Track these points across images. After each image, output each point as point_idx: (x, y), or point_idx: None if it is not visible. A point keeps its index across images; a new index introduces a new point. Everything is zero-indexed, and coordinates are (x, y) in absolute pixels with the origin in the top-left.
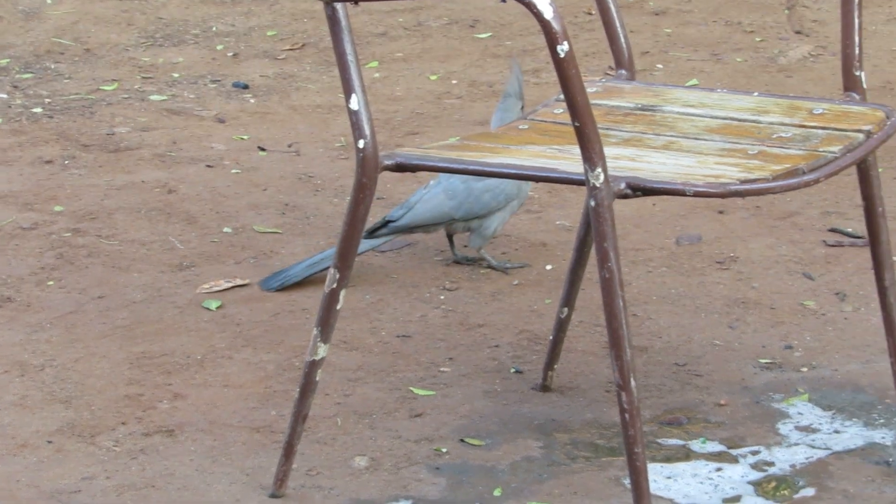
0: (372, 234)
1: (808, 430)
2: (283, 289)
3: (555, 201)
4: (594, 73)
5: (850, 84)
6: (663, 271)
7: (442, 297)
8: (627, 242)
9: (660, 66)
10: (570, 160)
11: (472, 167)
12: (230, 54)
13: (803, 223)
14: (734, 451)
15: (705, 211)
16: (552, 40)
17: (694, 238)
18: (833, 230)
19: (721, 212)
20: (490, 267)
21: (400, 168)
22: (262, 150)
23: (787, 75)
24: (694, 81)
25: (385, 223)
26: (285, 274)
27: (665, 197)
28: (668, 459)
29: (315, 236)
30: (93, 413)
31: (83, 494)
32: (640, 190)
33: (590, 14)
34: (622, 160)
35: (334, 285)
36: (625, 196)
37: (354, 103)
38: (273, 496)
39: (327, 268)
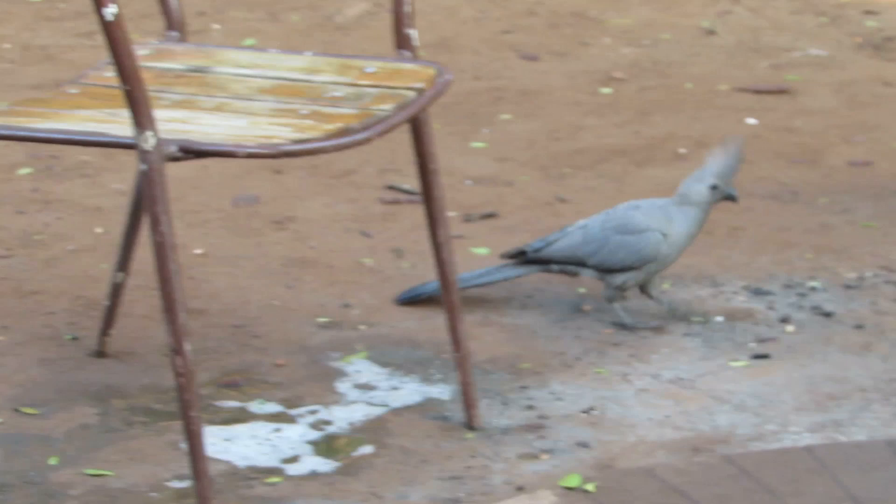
0: (512, 257)
1: (366, 387)
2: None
3: (111, 165)
4: (151, 35)
5: (402, 42)
6: (221, 233)
7: None
8: (184, 205)
9: (216, 26)
10: (121, 124)
11: (19, 133)
12: None
13: (361, 181)
14: (292, 412)
15: (262, 171)
16: (99, 3)
17: (251, 199)
18: (390, 187)
19: (278, 172)
20: (622, 325)
21: None
22: None
23: (344, 34)
24: (251, 42)
25: (521, 252)
26: (420, 289)
27: (220, 159)
28: (226, 422)
29: None
30: None
31: None
32: (191, 153)
33: None
34: (174, 123)
35: None
36: (176, 159)
37: None
38: None
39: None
